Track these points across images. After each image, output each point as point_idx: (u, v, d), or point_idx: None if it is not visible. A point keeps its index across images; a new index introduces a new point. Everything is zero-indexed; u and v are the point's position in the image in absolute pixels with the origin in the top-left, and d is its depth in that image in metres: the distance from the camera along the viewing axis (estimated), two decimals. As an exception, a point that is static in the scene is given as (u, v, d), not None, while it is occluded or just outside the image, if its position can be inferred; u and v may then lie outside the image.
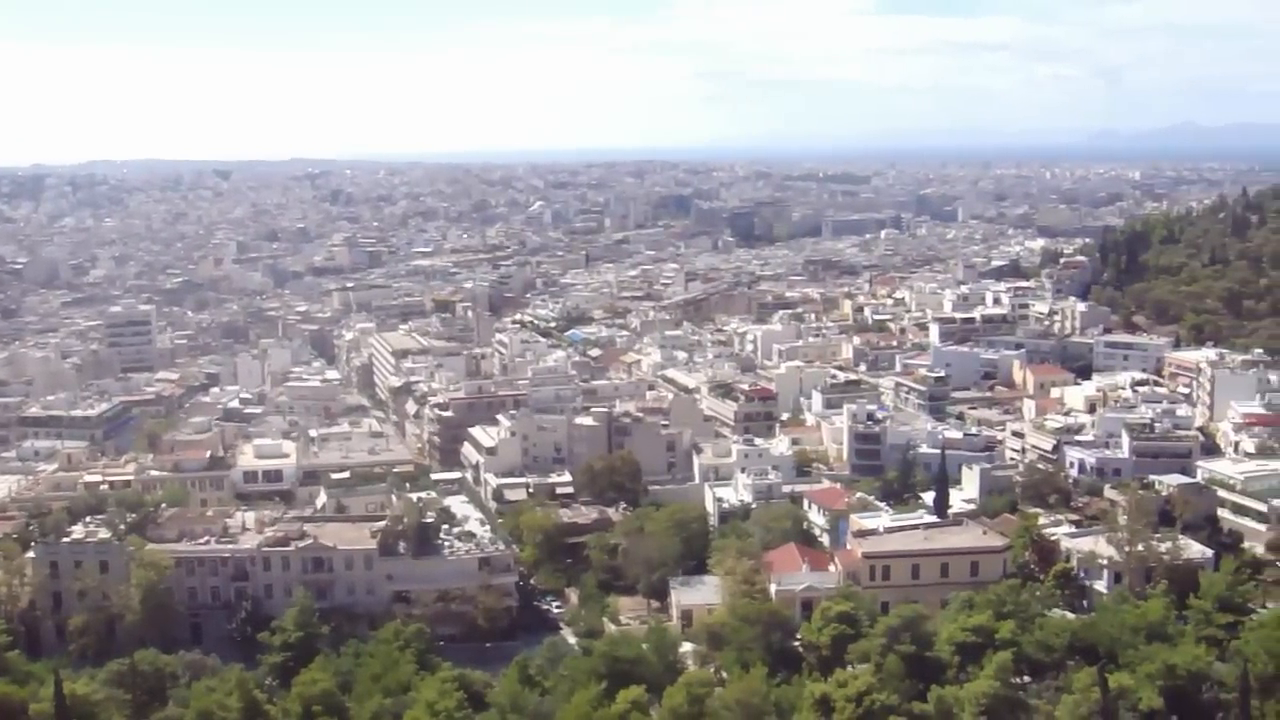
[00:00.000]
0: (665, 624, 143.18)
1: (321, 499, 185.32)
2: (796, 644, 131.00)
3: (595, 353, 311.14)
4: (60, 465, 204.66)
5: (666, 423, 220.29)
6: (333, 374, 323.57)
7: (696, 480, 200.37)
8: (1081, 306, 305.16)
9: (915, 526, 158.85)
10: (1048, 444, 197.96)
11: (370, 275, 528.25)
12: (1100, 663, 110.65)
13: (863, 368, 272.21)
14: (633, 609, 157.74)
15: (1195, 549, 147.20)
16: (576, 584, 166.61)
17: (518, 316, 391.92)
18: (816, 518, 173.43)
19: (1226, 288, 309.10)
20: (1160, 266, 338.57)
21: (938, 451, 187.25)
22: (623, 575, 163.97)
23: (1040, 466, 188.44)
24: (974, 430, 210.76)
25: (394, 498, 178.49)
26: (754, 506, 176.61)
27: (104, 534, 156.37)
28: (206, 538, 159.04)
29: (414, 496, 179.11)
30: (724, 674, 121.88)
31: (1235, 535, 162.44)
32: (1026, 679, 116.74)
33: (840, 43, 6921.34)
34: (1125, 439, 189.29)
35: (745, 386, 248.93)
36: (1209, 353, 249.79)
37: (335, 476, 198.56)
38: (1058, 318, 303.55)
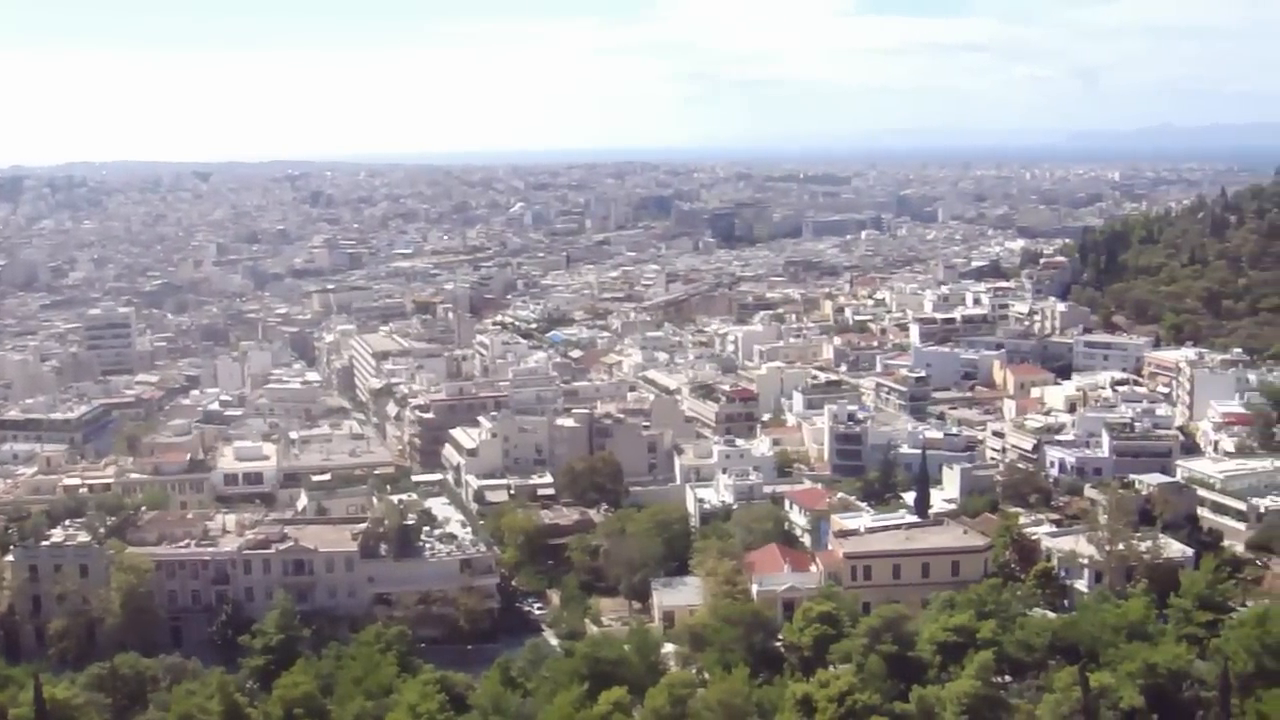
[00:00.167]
0: (647, 625, 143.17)
1: (302, 501, 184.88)
2: (778, 644, 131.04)
3: (576, 354, 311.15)
4: (39, 468, 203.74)
5: (648, 424, 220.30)
6: (313, 376, 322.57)
7: (678, 481, 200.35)
8: (1061, 306, 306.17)
9: (896, 527, 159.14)
10: (1028, 444, 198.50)
11: (351, 277, 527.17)
12: (1081, 662, 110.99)
13: (843, 368, 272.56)
14: (614, 610, 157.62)
15: (1175, 548, 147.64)
16: (558, 585, 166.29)
17: (498, 318, 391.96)
18: (798, 518, 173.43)
19: (1205, 287, 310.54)
20: (1139, 267, 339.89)
21: (918, 452, 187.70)
22: (604, 576, 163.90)
23: (1021, 466, 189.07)
24: (955, 430, 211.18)
25: (375, 500, 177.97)
26: (735, 507, 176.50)
27: (83, 537, 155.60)
28: (187, 541, 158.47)
29: (395, 498, 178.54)
30: (706, 675, 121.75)
31: (1215, 534, 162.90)
32: (1008, 678, 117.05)
33: (820, 44, 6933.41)
34: (1105, 438, 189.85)
35: (726, 387, 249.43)
36: (1188, 352, 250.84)
37: (316, 479, 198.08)
38: (1038, 318, 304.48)
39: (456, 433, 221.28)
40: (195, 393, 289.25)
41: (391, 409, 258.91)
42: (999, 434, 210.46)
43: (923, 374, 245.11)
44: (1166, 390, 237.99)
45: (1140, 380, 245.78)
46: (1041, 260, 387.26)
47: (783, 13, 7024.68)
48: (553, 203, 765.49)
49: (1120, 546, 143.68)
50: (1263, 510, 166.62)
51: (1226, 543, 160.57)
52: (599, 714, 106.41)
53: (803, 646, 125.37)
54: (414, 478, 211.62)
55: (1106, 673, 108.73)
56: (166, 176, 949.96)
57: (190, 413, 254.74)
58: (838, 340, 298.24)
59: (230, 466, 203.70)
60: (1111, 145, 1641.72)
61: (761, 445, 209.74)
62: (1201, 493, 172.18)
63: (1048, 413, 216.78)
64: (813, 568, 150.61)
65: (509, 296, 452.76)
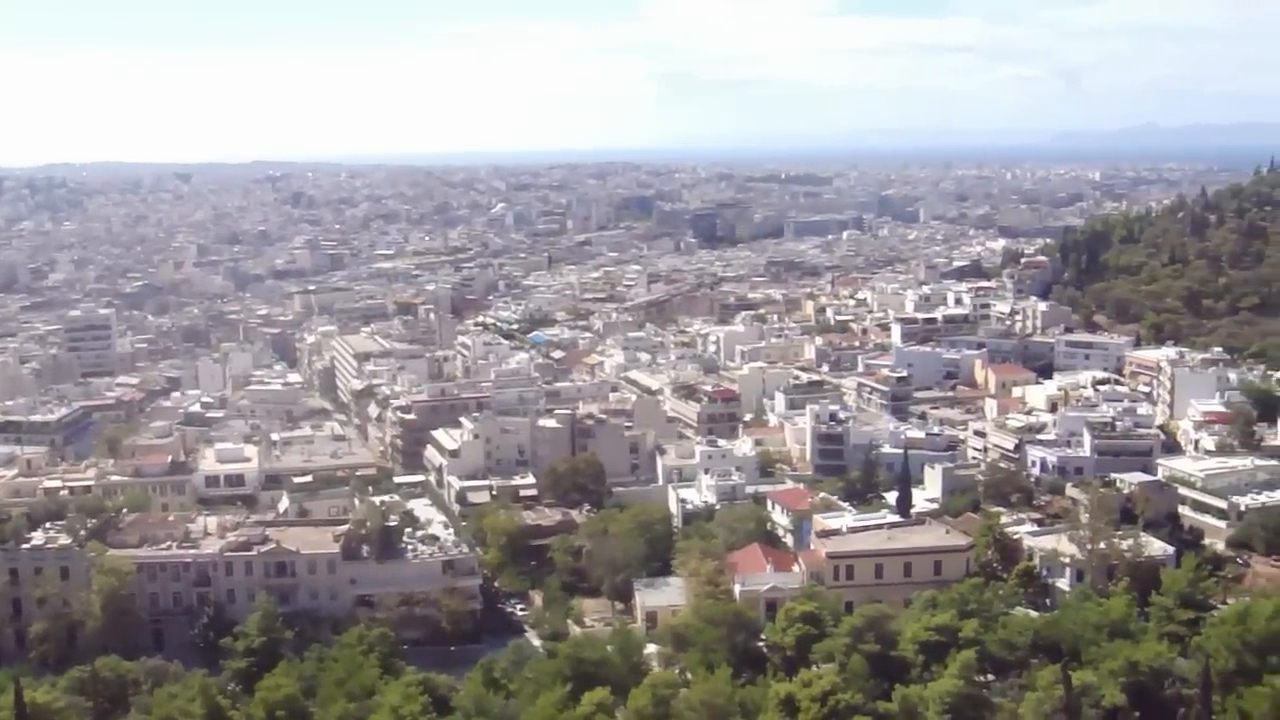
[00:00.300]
0: (630, 626, 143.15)
1: (284, 503, 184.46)
2: (761, 644, 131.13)
3: (558, 354, 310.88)
4: (19, 471, 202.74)
5: (630, 424, 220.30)
6: (294, 377, 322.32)
7: (660, 482, 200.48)
8: (1042, 306, 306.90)
9: (878, 526, 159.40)
10: (1010, 443, 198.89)
11: (332, 278, 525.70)
12: (1063, 660, 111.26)
13: (825, 368, 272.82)
14: (597, 611, 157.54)
15: (1157, 546, 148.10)
16: (541, 586, 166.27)
17: (480, 318, 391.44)
18: (780, 518, 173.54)
19: (1186, 287, 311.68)
20: (1120, 266, 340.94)
21: (900, 451, 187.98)
22: (587, 577, 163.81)
23: (1002, 465, 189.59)
24: (936, 430, 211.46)
25: (357, 501, 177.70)
26: (718, 507, 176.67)
27: (64, 540, 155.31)
28: (168, 543, 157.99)
29: (377, 500, 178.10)
30: (689, 675, 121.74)
31: (1196, 532, 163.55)
32: (990, 677, 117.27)
33: (803, 44, 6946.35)
34: (1087, 437, 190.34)
35: (708, 388, 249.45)
36: (1169, 351, 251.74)
37: (297, 480, 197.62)
38: (1019, 317, 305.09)
39: (438, 434, 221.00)
40: (176, 394, 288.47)
41: (373, 410, 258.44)
42: (980, 433, 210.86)
43: (904, 374, 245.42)
44: (1147, 389, 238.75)
45: (1121, 379, 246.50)
46: (1022, 260, 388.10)
47: (765, 13, 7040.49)
48: (534, 203, 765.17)
49: (1102, 545, 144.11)
50: (1243, 508, 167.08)
51: (1207, 541, 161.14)
52: (582, 715, 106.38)
53: (785, 646, 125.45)
54: (396, 479, 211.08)
55: (1088, 671, 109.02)
56: (147, 177, 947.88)
57: (171, 414, 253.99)
58: (819, 340, 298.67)
59: (211, 468, 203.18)
60: (1095, 145, 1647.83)
61: (743, 445, 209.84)
62: (1182, 491, 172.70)
63: (1029, 412, 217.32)
64: (795, 568, 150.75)
65: (490, 297, 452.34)
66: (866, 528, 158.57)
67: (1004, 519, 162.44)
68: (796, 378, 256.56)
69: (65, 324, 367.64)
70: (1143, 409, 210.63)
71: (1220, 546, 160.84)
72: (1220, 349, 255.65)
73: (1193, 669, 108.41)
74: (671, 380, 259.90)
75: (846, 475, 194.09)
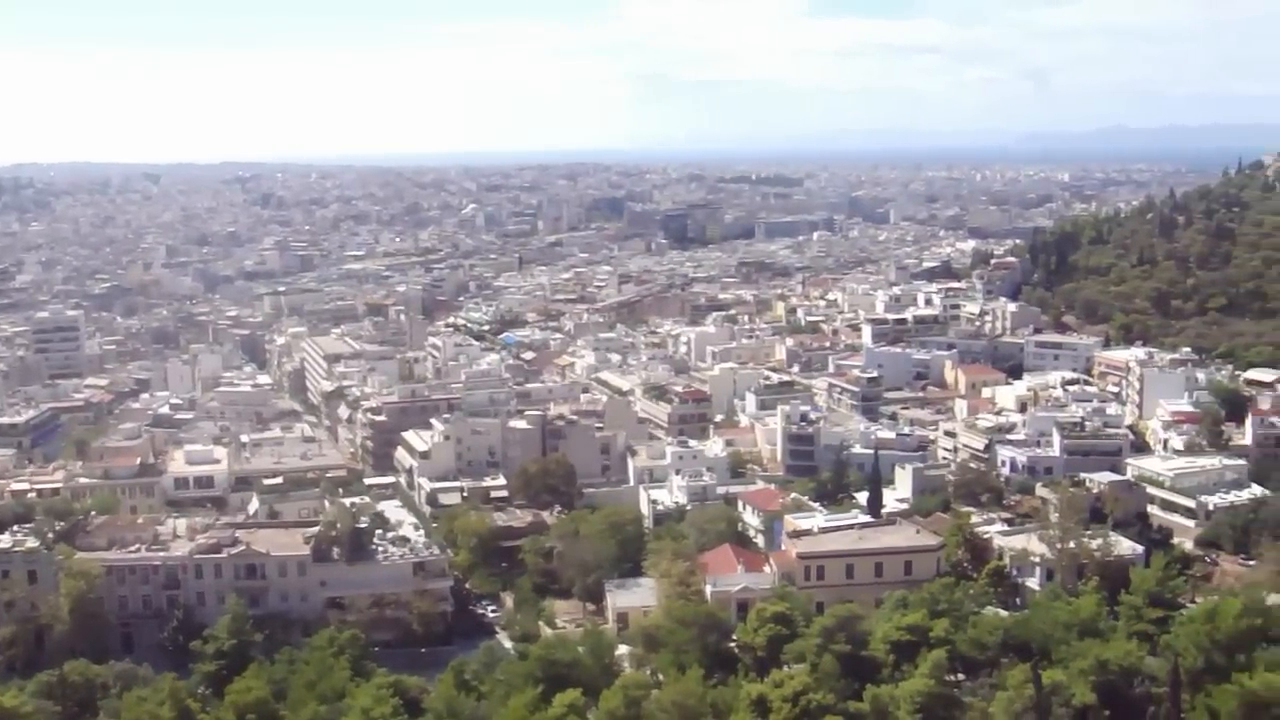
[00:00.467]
0: (601, 627, 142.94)
1: (254, 505, 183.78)
2: (732, 645, 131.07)
3: (529, 356, 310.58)
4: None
5: (601, 425, 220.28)
6: (264, 379, 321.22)
7: (631, 482, 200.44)
8: (1012, 307, 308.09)
9: (849, 526, 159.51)
10: (980, 443, 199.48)
11: (302, 279, 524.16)
12: (1033, 659, 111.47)
13: (796, 369, 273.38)
14: (568, 612, 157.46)
15: (1126, 545, 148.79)
16: (512, 588, 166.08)
17: (451, 320, 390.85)
18: (751, 519, 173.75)
19: (1154, 288, 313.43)
20: (1089, 267, 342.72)
21: (871, 452, 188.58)
22: (558, 578, 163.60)
23: (972, 465, 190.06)
24: (907, 430, 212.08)
25: (327, 503, 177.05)
26: (689, 508, 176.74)
27: (32, 543, 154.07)
28: (137, 546, 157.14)
29: (347, 502, 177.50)
30: (660, 676, 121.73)
31: (1165, 531, 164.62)
32: (961, 676, 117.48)
33: (773, 45, 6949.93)
34: (1056, 437, 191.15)
35: (679, 388, 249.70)
36: (1138, 352, 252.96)
37: (267, 482, 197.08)
38: (989, 318, 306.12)
39: (409, 435, 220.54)
40: (145, 396, 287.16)
41: (343, 412, 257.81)
42: (951, 434, 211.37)
43: (875, 374, 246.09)
44: (1116, 389, 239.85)
45: (1090, 380, 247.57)
46: (992, 261, 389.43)
47: (735, 14, 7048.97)
48: (505, 204, 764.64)
49: (1071, 544, 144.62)
50: (1211, 508, 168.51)
51: (1176, 540, 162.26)
52: (553, 716, 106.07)
53: (757, 647, 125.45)
54: (366, 481, 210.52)
55: (1058, 670, 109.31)
56: (116, 178, 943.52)
57: (140, 416, 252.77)
58: (790, 341, 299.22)
59: (181, 470, 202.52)
60: (1062, 147, 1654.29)
61: (714, 446, 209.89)
62: (1151, 491, 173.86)
63: (999, 412, 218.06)
64: (766, 568, 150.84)
65: (461, 298, 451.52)
66: (837, 528, 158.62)
67: (974, 519, 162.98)
68: (767, 378, 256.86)
69: (33, 325, 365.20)
70: (1112, 409, 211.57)
71: (1189, 545, 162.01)
72: (1189, 349, 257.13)
73: (1162, 667, 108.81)
74: (642, 381, 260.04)
75: (817, 476, 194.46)
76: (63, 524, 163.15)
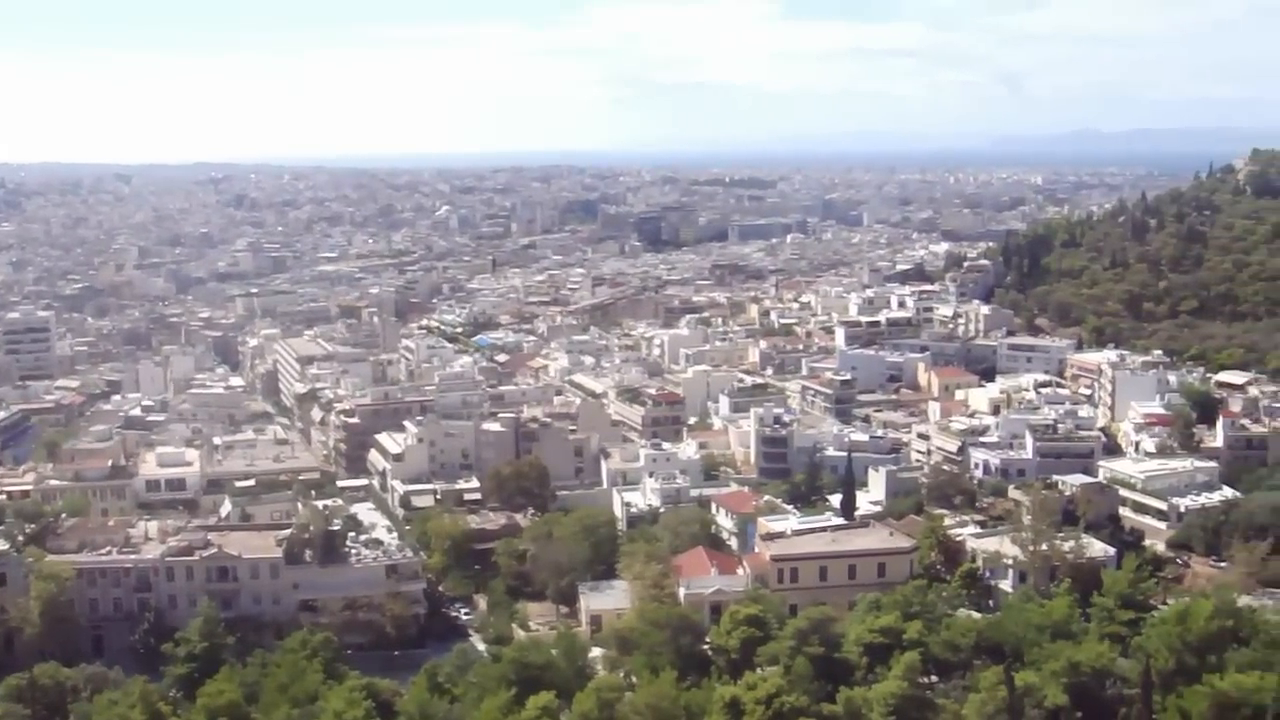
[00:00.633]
0: (574, 629, 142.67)
1: (226, 508, 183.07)
2: (706, 648, 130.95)
3: (502, 358, 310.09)
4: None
5: (574, 428, 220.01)
6: (237, 381, 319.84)
7: (605, 485, 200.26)
8: (985, 309, 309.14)
9: (823, 529, 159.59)
10: (953, 445, 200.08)
11: (275, 281, 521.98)
12: (1006, 661, 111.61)
13: (769, 371, 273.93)
14: (542, 615, 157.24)
15: (1098, 547, 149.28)
16: (485, 590, 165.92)
17: (424, 322, 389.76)
18: (724, 521, 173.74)
19: (1126, 290, 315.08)
20: (1062, 270, 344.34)
21: (844, 454, 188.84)
22: (531, 581, 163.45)
23: (945, 468, 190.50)
24: (880, 433, 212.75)
25: (300, 505, 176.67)
26: (662, 510, 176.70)
27: (2, 545, 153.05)
28: (108, 548, 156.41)
29: (320, 504, 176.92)
30: (634, 679, 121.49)
31: (1137, 533, 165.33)
32: (934, 679, 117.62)
33: (747, 48, 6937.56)
34: (1029, 440, 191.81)
35: (652, 391, 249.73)
36: (1110, 354, 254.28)
37: (240, 485, 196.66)
38: (962, 321, 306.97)
39: (382, 437, 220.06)
40: (117, 398, 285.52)
41: (316, 414, 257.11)
42: (924, 436, 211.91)
43: (848, 377, 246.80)
44: (1088, 392, 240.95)
45: (1063, 382, 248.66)
46: (965, 263, 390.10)
47: (710, 17, 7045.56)
48: (478, 206, 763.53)
49: (1044, 547, 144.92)
50: (1183, 510, 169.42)
51: (1148, 542, 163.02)
52: (527, 719, 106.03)
53: (730, 649, 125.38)
54: (339, 483, 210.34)
55: (1031, 672, 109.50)
56: (87, 178, 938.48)
57: (112, 418, 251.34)
58: (763, 344, 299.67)
59: (152, 472, 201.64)
60: (1035, 150, 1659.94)
61: (688, 449, 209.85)
62: (1123, 493, 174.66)
63: (972, 415, 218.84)
64: (739, 570, 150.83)
65: (434, 300, 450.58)
66: (811, 530, 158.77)
67: (947, 521, 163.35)
68: (741, 381, 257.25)
69: (3, 326, 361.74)
70: (1084, 411, 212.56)
71: (1160, 547, 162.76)
72: (1160, 352, 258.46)
73: (1134, 669, 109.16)
74: (616, 383, 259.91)
75: (790, 478, 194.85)
76: (33, 526, 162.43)
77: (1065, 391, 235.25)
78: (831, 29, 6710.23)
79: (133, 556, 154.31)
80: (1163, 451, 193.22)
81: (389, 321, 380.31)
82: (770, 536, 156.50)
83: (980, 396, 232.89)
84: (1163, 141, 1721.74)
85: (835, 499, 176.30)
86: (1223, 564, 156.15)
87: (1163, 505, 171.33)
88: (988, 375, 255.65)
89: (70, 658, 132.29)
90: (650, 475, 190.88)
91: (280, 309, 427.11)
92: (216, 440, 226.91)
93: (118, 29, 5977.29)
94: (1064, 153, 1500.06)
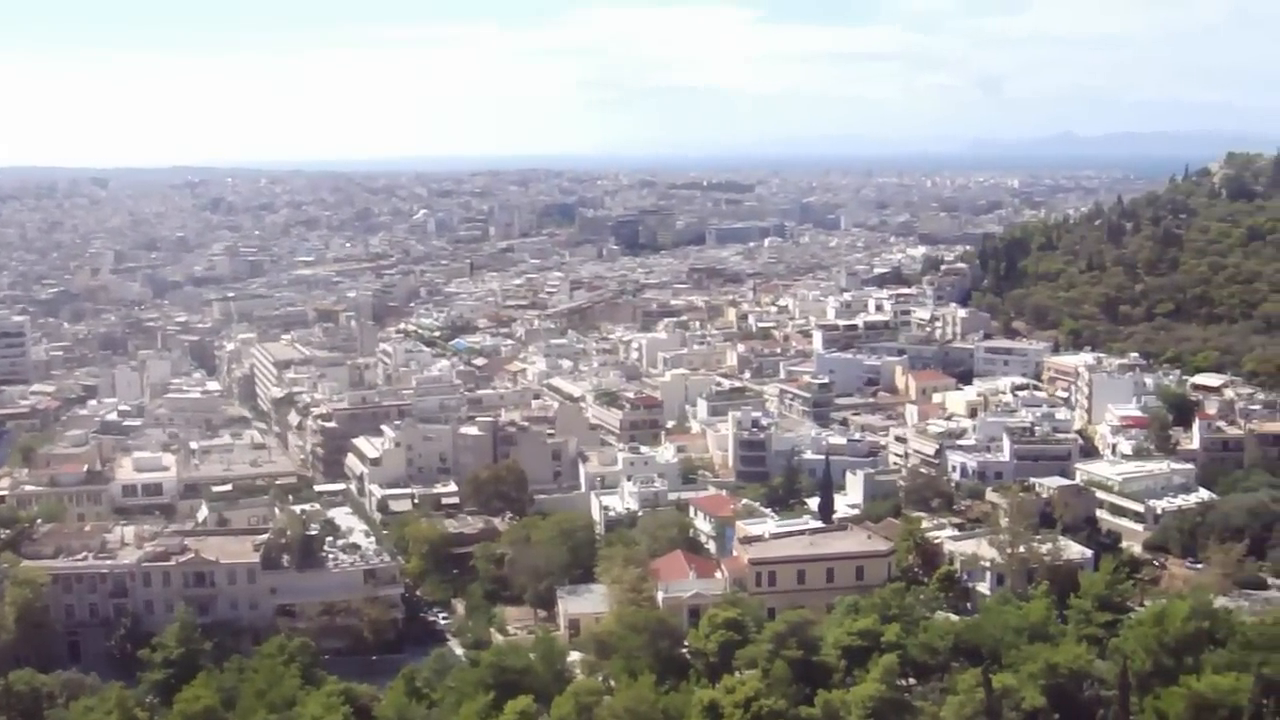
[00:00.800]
0: (553, 633, 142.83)
1: (203, 512, 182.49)
2: (684, 651, 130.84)
3: (480, 362, 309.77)
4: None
5: (552, 431, 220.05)
6: (213, 385, 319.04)
7: (583, 489, 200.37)
8: (962, 312, 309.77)
9: (801, 532, 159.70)
10: (930, 448, 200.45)
11: (252, 285, 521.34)
12: (984, 663, 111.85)
13: (747, 375, 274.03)
14: (520, 619, 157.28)
15: (1075, 549, 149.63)
16: (463, 595, 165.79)
17: (402, 326, 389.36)
18: (703, 525, 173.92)
19: (1103, 293, 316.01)
20: (1039, 273, 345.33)
21: (822, 457, 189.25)
22: (509, 585, 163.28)
23: (923, 471, 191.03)
24: (857, 436, 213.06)
25: (277, 510, 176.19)
26: (640, 514, 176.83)
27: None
28: (84, 553, 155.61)
29: (297, 509, 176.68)
30: (612, 682, 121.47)
31: (1114, 535, 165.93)
32: (912, 681, 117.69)
33: (726, 51, 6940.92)
34: (1006, 442, 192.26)
35: (630, 395, 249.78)
36: (1087, 357, 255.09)
37: (217, 489, 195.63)
38: (939, 324, 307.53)
39: (359, 442, 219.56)
40: (93, 403, 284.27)
41: (293, 418, 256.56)
42: (901, 439, 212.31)
43: (826, 380, 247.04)
44: (1065, 394, 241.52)
45: (1040, 385, 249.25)
46: (942, 267, 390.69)
47: (689, 20, 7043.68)
48: (456, 210, 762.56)
49: (1021, 549, 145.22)
50: (1159, 511, 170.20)
51: (1125, 544, 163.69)
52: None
53: (708, 653, 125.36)
54: (316, 488, 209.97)
55: (1009, 674, 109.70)
56: (62, 182, 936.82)
57: (87, 423, 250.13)
58: (741, 347, 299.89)
59: (129, 477, 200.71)
60: (1012, 153, 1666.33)
61: (666, 452, 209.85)
62: (1100, 495, 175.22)
63: (949, 418, 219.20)
64: (718, 574, 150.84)
65: (412, 304, 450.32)
66: (789, 534, 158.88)
67: (925, 524, 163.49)
68: (718, 384, 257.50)
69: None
70: (1061, 414, 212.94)
71: (1137, 549, 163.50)
72: (1137, 354, 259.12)
73: (1111, 670, 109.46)
74: (594, 387, 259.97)
75: (768, 481, 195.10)
76: (8, 532, 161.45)
77: (1042, 394, 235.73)
78: (810, 33, 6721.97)
79: (109, 562, 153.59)
80: (1139, 454, 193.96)
81: (366, 325, 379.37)
82: (748, 540, 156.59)
83: (957, 399, 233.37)
84: (1140, 145, 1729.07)
85: (813, 502, 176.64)
86: (1199, 565, 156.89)
87: (1139, 507, 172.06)
88: (965, 378, 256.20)
89: (46, 664, 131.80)
90: (628, 479, 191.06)
91: (257, 313, 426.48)
92: (193, 445, 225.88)
93: (92, 31, 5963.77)
94: (1041, 156, 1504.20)
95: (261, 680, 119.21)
